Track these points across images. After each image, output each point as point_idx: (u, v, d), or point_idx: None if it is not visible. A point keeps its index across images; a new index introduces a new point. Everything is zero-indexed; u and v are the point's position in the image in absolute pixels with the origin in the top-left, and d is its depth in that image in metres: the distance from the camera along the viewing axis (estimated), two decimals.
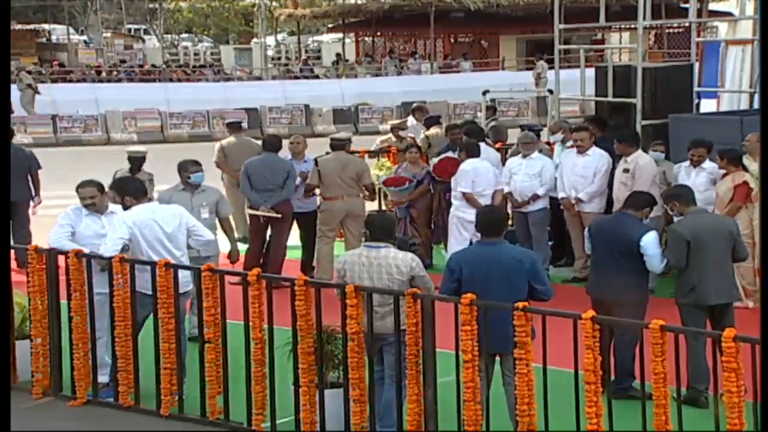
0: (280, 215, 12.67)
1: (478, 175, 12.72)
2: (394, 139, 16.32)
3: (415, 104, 20.46)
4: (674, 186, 10.82)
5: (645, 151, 12.73)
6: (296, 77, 40.89)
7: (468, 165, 12.81)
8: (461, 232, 12.79)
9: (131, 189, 9.39)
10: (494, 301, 7.52)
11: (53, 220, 9.66)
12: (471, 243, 12.68)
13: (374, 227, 8.17)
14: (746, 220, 11.32)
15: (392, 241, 8.12)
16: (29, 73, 35.47)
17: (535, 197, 12.97)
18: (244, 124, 19.63)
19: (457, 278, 7.87)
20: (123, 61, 45.16)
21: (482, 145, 13.65)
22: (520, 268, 7.79)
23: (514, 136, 15.43)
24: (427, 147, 15.33)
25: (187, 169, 10.92)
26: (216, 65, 45.08)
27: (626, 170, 12.18)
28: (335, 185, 12.74)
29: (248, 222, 13.42)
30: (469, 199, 12.71)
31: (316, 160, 13.01)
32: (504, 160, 14.07)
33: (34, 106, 32.57)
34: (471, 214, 12.66)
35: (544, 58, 36.55)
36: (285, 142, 13.86)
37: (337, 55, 46.42)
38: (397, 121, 17.78)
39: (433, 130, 16.26)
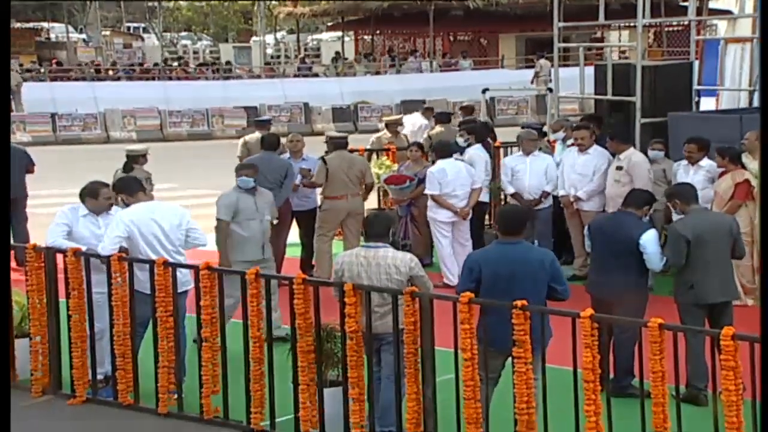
0: (275, 221, 12.65)
1: (444, 177, 12.73)
2: (389, 134, 16.35)
3: (426, 104, 20.58)
4: (676, 184, 10.81)
5: (644, 149, 12.75)
6: (295, 75, 40.88)
7: (435, 166, 12.87)
8: (439, 230, 12.88)
9: (121, 187, 9.43)
10: (520, 300, 7.31)
11: (51, 218, 9.64)
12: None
13: (372, 226, 8.16)
14: (746, 219, 11.31)
15: (388, 240, 8.11)
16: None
17: (546, 194, 13.02)
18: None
19: (476, 278, 7.73)
20: (163, 65, 43.17)
21: (476, 145, 13.67)
22: (542, 268, 7.71)
23: (510, 135, 15.46)
24: (429, 146, 15.35)
25: (237, 172, 10.82)
26: (217, 64, 44.97)
27: (619, 167, 12.20)
28: (341, 184, 12.72)
29: None
30: (436, 200, 12.77)
31: (323, 158, 12.92)
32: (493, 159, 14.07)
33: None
34: (441, 215, 12.79)
35: (544, 56, 36.54)
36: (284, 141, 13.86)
37: (336, 53, 46.40)
38: (393, 118, 17.85)
39: (437, 129, 16.26)
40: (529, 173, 13.06)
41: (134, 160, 12.81)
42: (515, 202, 13.04)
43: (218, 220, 10.54)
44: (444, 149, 13.10)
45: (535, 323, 7.24)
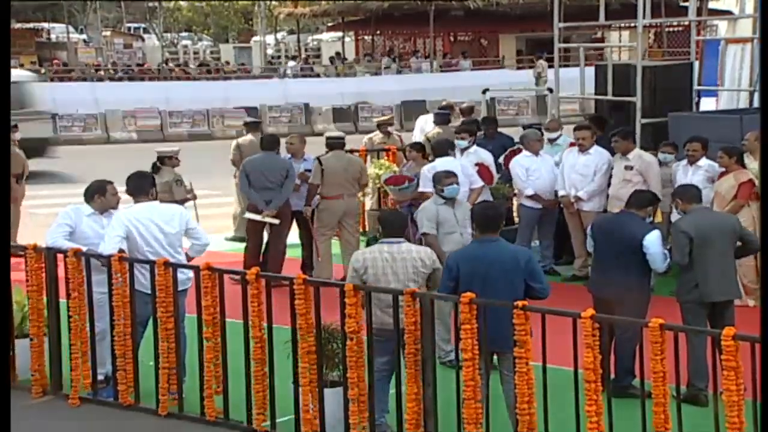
0: (278, 221, 12.65)
1: None
2: (381, 135, 16.39)
3: (444, 103, 20.66)
4: (681, 184, 10.78)
5: (643, 149, 12.75)
6: (296, 75, 40.90)
7: (429, 165, 12.84)
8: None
9: (129, 185, 9.40)
10: (494, 299, 7.51)
11: (51, 218, 9.64)
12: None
13: (390, 224, 8.25)
14: (749, 218, 11.29)
15: (404, 237, 8.21)
16: None
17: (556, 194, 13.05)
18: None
19: (455, 276, 7.84)
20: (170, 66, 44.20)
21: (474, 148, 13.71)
22: (517, 267, 7.77)
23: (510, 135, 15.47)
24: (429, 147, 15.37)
25: (441, 181, 10.25)
26: (217, 65, 44.98)
27: (628, 167, 12.16)
28: (337, 184, 12.71)
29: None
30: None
31: (319, 159, 12.91)
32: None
33: None
34: None
35: (544, 57, 36.56)
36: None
37: (336, 53, 46.41)
38: (384, 118, 17.90)
39: (435, 130, 16.28)
40: (550, 172, 13.04)
41: (162, 160, 12.73)
42: (533, 203, 13.03)
43: (425, 234, 10.13)
44: (442, 147, 13.08)
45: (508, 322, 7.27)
